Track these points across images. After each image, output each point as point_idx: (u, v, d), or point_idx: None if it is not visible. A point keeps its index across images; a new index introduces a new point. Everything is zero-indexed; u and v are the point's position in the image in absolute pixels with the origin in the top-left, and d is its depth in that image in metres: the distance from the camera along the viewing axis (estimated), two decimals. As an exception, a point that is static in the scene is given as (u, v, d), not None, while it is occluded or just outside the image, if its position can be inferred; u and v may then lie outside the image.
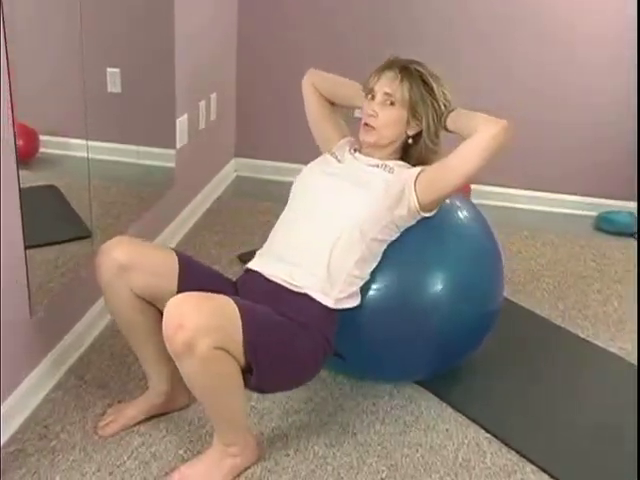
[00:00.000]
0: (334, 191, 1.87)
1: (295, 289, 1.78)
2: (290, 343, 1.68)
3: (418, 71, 1.88)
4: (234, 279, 1.94)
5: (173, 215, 3.00)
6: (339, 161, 1.97)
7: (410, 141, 1.93)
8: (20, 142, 1.73)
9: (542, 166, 3.69)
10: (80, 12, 1.97)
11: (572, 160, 3.66)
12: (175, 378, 1.90)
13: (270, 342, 1.64)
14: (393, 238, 1.88)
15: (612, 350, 2.44)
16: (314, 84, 2.11)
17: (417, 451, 1.90)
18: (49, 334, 2.03)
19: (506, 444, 1.94)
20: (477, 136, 1.77)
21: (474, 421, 2.02)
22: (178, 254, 1.83)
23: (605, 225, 3.53)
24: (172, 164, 2.86)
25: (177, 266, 1.78)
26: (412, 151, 1.96)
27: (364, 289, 1.88)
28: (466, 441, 1.95)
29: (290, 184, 1.99)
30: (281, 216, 1.95)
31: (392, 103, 1.87)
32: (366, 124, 1.90)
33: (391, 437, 1.95)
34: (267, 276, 1.82)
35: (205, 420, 1.93)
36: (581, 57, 3.48)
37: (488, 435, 1.98)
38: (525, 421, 2.04)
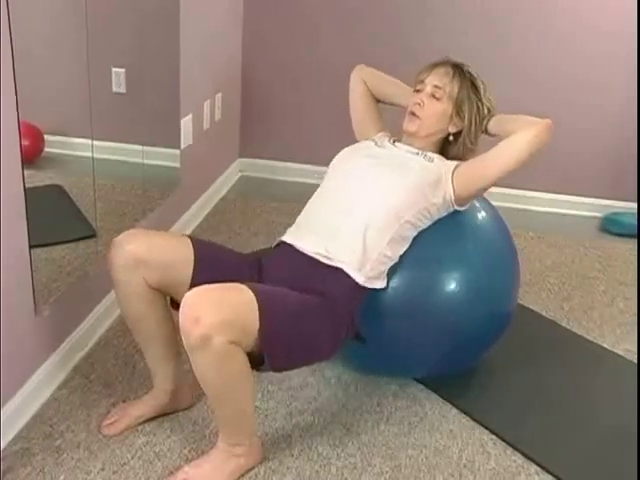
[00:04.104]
0: (374, 171, 1.91)
1: (329, 262, 1.79)
2: (309, 327, 1.68)
3: (469, 73, 1.97)
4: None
5: (178, 215, 3.00)
6: (379, 146, 2.02)
7: (450, 138, 1.99)
8: (25, 141, 1.74)
9: (548, 167, 3.66)
10: (86, 12, 1.98)
11: (578, 161, 3.65)
12: (180, 378, 1.90)
13: (287, 329, 1.64)
14: (424, 226, 1.91)
15: (618, 352, 2.43)
16: (364, 79, 2.19)
17: (421, 452, 1.90)
18: (54, 333, 2.03)
19: (511, 445, 1.94)
20: (520, 133, 1.83)
21: (478, 422, 2.02)
22: (193, 241, 1.82)
23: (611, 226, 3.52)
24: (177, 164, 2.86)
25: (192, 254, 1.78)
26: (450, 149, 2.02)
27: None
28: (470, 442, 1.95)
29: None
30: (318, 190, 1.99)
31: (440, 96, 1.94)
32: (412, 113, 1.96)
33: (395, 438, 1.95)
34: (300, 249, 1.84)
35: (209, 420, 1.93)
36: (596, 57, 3.45)
37: (493, 436, 1.97)
38: (530, 423, 2.03)
